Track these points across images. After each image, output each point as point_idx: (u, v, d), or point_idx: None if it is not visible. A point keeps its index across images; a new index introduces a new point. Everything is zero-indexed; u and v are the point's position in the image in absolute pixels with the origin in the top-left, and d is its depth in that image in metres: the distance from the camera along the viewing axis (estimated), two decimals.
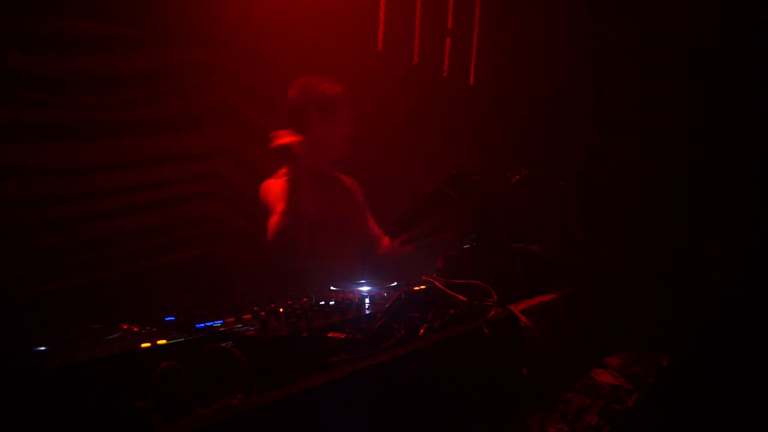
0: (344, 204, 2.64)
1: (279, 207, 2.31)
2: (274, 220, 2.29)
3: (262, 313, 1.24)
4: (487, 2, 3.88)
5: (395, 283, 1.78)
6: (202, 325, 1.17)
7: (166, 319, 1.24)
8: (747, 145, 2.66)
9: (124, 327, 1.16)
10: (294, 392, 0.77)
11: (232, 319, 1.23)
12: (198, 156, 3.11)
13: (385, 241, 2.70)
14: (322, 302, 1.37)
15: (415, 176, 2.82)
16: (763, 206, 2.58)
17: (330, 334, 1.15)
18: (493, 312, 1.39)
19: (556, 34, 3.41)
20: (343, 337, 1.14)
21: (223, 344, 0.97)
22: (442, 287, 1.46)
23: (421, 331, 1.21)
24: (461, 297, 1.39)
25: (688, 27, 2.82)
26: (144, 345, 0.97)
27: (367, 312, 1.32)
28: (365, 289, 1.72)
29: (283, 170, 2.49)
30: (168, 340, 1.01)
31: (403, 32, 3.61)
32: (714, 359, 2.41)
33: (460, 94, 3.88)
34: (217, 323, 1.19)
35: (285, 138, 2.28)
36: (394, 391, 0.97)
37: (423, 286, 1.53)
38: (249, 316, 1.27)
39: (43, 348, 0.96)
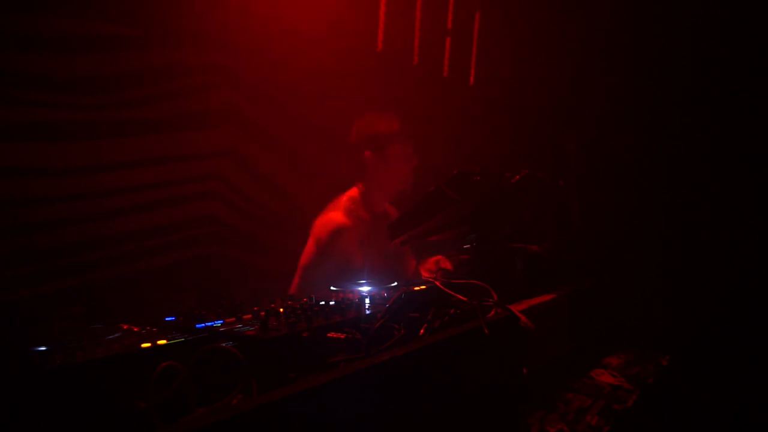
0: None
1: (301, 273, 2.45)
2: (293, 287, 2.46)
3: (262, 313, 1.24)
4: (487, 2, 3.88)
5: (395, 283, 1.78)
6: (202, 325, 1.17)
7: (166, 319, 1.24)
8: (748, 144, 2.66)
9: (124, 327, 1.16)
10: (294, 392, 0.77)
11: (232, 319, 1.23)
12: (198, 156, 3.11)
13: (412, 264, 2.71)
14: (322, 302, 1.37)
15: (415, 176, 2.82)
16: (764, 206, 2.58)
17: (330, 334, 1.15)
18: (493, 312, 1.39)
19: (556, 34, 3.41)
20: (343, 337, 1.14)
21: (223, 344, 0.97)
22: (442, 287, 1.46)
23: (421, 331, 1.21)
24: (461, 297, 1.39)
25: (691, 26, 2.82)
26: (144, 345, 0.97)
27: (367, 312, 1.32)
28: (365, 289, 1.72)
29: (343, 201, 2.55)
30: (168, 340, 1.01)
31: (403, 32, 3.60)
32: (714, 359, 2.40)
33: (460, 94, 3.88)
34: (217, 323, 1.19)
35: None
36: (394, 391, 0.97)
37: (423, 286, 1.53)
38: (249, 316, 1.27)
39: (43, 348, 0.96)
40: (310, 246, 2.47)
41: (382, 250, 2.54)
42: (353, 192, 2.61)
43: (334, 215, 2.48)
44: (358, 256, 2.47)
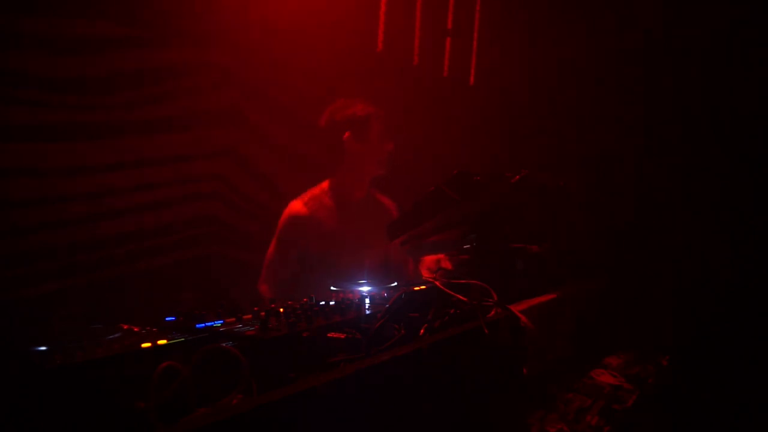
0: (376, 227, 2.63)
1: (265, 264, 2.49)
2: (260, 279, 2.50)
3: (262, 313, 1.24)
4: (487, 2, 3.88)
5: (395, 284, 1.78)
6: (202, 325, 1.16)
7: (166, 319, 1.24)
8: (748, 144, 2.66)
9: (124, 327, 1.16)
10: (294, 392, 0.77)
11: (232, 319, 1.23)
12: (198, 156, 3.11)
13: (410, 265, 2.72)
14: (323, 302, 1.37)
15: (415, 177, 2.82)
16: (764, 206, 2.58)
17: (330, 334, 1.15)
18: (493, 312, 1.39)
19: (556, 34, 3.41)
20: (343, 337, 1.14)
21: (223, 344, 0.97)
22: (442, 287, 1.46)
23: (422, 331, 1.21)
24: (461, 297, 1.39)
25: (694, 27, 2.82)
26: (144, 345, 0.97)
27: (367, 312, 1.32)
28: (365, 289, 1.72)
29: (311, 192, 2.57)
30: (168, 340, 1.01)
31: (403, 32, 3.60)
32: (714, 359, 2.40)
33: (460, 94, 3.88)
34: (217, 323, 1.19)
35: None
36: (395, 391, 0.97)
37: (423, 286, 1.53)
38: (249, 316, 1.27)
39: (43, 348, 0.96)
40: (273, 238, 2.52)
41: (362, 235, 2.53)
42: (325, 183, 2.62)
43: (292, 204, 2.53)
44: (321, 244, 2.46)
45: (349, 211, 2.57)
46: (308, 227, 2.46)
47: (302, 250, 2.46)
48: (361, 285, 1.77)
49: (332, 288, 1.74)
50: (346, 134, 2.47)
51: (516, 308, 1.43)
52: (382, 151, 2.55)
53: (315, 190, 2.59)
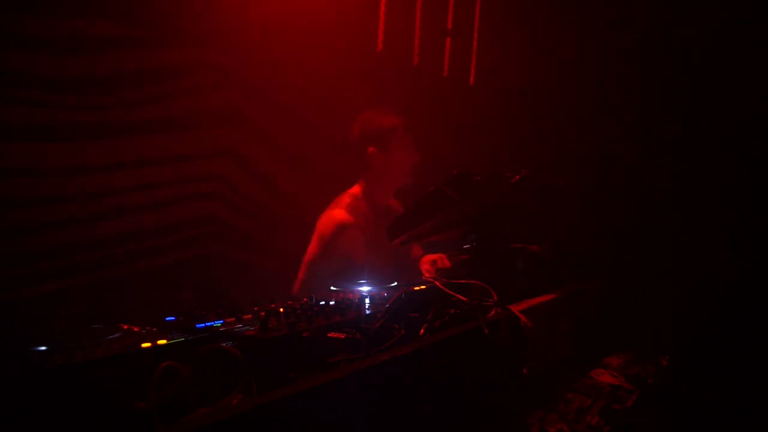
0: None
1: (306, 270, 2.48)
2: (297, 284, 2.48)
3: (263, 313, 1.24)
4: (487, 2, 3.88)
5: (395, 283, 1.78)
6: (202, 325, 1.17)
7: (166, 319, 1.24)
8: (748, 144, 2.66)
9: (124, 327, 1.16)
10: (294, 392, 0.77)
11: (232, 319, 1.23)
12: (198, 156, 3.11)
13: (415, 251, 2.78)
14: (322, 302, 1.37)
15: (415, 176, 2.83)
16: (764, 206, 2.58)
17: (330, 334, 1.15)
18: (493, 312, 1.39)
19: (556, 34, 3.41)
20: (343, 337, 1.14)
21: (223, 344, 0.97)
22: (442, 287, 1.46)
23: (422, 331, 1.21)
24: (461, 297, 1.39)
25: (694, 27, 2.81)
26: (144, 345, 0.97)
27: (367, 312, 1.32)
28: (365, 289, 1.72)
29: (345, 198, 2.60)
30: (168, 340, 1.01)
31: (403, 32, 3.60)
32: (714, 359, 2.40)
33: (460, 94, 3.88)
34: (217, 323, 1.19)
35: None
36: (395, 391, 0.97)
37: (423, 286, 1.53)
38: (249, 316, 1.27)
39: (43, 348, 0.96)
40: (314, 243, 2.50)
41: (387, 244, 2.57)
42: (355, 189, 2.65)
43: (338, 212, 2.53)
44: (362, 252, 2.50)
45: (379, 217, 2.63)
46: (356, 234, 2.51)
47: (349, 258, 2.49)
48: (361, 285, 1.77)
49: (332, 288, 1.74)
50: (370, 149, 2.56)
51: (516, 308, 1.43)
52: (406, 162, 2.62)
53: (346, 198, 2.63)
